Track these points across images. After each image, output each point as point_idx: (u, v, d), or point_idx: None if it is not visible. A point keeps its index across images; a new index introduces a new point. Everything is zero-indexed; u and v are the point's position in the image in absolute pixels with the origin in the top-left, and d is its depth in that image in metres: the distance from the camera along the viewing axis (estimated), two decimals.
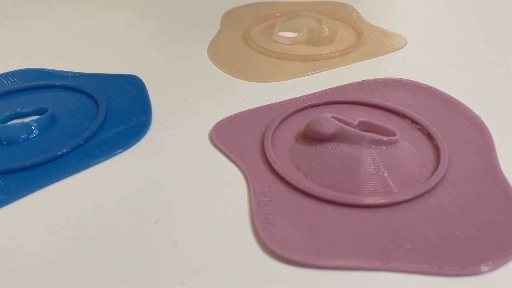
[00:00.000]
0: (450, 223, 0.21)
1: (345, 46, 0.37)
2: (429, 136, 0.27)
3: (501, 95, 0.31)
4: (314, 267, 0.20)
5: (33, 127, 0.28)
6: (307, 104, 0.30)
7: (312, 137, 0.26)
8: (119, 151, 0.26)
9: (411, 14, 0.44)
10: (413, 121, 0.28)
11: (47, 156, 0.26)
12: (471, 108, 0.29)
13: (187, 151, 0.27)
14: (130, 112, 0.30)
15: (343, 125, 0.25)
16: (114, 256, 0.20)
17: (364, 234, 0.21)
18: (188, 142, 0.27)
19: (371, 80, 0.32)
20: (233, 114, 0.29)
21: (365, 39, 0.38)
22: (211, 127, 0.28)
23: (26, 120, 0.29)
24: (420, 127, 0.28)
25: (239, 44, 0.39)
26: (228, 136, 0.27)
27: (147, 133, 0.28)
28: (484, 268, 0.19)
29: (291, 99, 0.31)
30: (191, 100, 0.31)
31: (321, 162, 0.24)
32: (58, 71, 0.35)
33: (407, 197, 0.22)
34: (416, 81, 0.32)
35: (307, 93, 0.31)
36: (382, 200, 0.22)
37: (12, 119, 0.29)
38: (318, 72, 0.34)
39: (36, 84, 0.32)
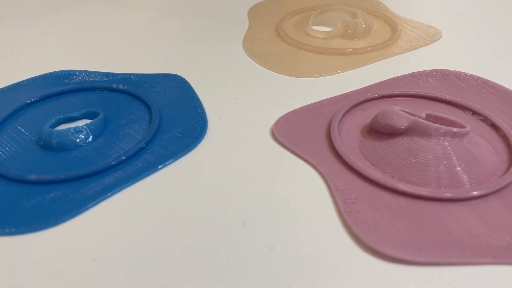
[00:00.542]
0: None
1: (381, 39, 0.37)
2: (494, 127, 0.27)
3: None
4: (418, 264, 0.19)
5: (88, 132, 0.26)
6: (363, 98, 0.29)
7: (380, 131, 0.26)
8: (184, 152, 0.26)
9: (437, 4, 0.44)
10: (474, 112, 0.28)
11: (111, 160, 0.24)
12: None
13: (252, 150, 0.26)
14: (183, 113, 0.29)
15: (416, 118, 0.25)
16: (210, 263, 0.19)
17: (460, 228, 0.20)
18: (250, 141, 0.27)
19: (419, 72, 0.32)
20: (291, 111, 0.29)
21: (400, 31, 0.38)
22: (270, 124, 0.28)
23: (74, 124, 0.28)
24: (482, 118, 0.27)
25: (274, 39, 0.38)
26: (292, 133, 0.27)
27: (206, 134, 0.27)
28: None
29: (344, 94, 0.30)
30: (242, 98, 0.31)
31: (398, 157, 0.24)
32: (93, 72, 0.33)
33: (497, 188, 0.22)
34: (463, 72, 0.32)
35: (357, 87, 0.31)
36: (474, 193, 0.22)
37: (61, 124, 0.28)
38: (362, 66, 0.34)
39: (77, 86, 0.31)
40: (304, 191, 0.23)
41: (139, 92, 0.30)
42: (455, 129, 0.24)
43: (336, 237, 0.20)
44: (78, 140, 0.26)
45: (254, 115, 0.29)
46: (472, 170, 0.23)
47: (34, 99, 0.30)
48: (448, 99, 0.29)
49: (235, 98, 0.31)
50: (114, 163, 0.24)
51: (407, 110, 0.26)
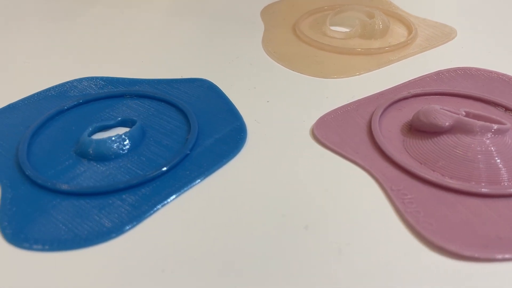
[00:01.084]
0: None
1: (397, 38, 0.37)
2: None
3: None
4: (487, 261, 0.19)
5: (128, 140, 0.26)
6: (397, 98, 0.29)
7: (422, 130, 0.26)
8: (230, 157, 0.25)
9: (448, 2, 0.45)
10: (507, 109, 0.29)
11: (160, 169, 0.24)
12: None
13: (296, 153, 0.26)
14: (220, 117, 0.29)
15: (460, 116, 0.25)
16: (282, 267, 0.19)
17: None
18: (293, 144, 0.27)
19: (444, 70, 0.33)
20: (328, 112, 0.29)
21: (417, 30, 0.38)
22: (308, 126, 0.28)
23: (109, 132, 0.27)
24: None
25: (292, 40, 0.38)
26: (333, 134, 0.27)
27: (247, 137, 0.27)
28: None
29: (376, 94, 0.30)
30: (274, 101, 0.30)
31: (446, 155, 0.24)
32: (117, 78, 0.33)
33: None
34: (485, 68, 0.33)
35: (386, 87, 0.31)
36: None
37: (96, 132, 0.27)
38: (387, 66, 0.34)
39: (105, 93, 0.30)
40: (358, 192, 0.23)
41: (171, 98, 0.30)
42: (497, 126, 0.24)
43: (401, 237, 0.21)
44: (118, 148, 0.26)
45: (290, 117, 0.29)
46: None
47: (65, 107, 0.29)
48: (480, 96, 0.29)
49: (268, 101, 0.30)
50: (165, 169, 0.24)
51: (447, 109, 0.26)
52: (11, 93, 0.31)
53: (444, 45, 0.37)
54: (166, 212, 0.22)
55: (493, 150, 0.24)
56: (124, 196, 0.23)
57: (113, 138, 0.26)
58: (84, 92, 0.31)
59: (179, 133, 0.27)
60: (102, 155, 0.25)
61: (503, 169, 0.23)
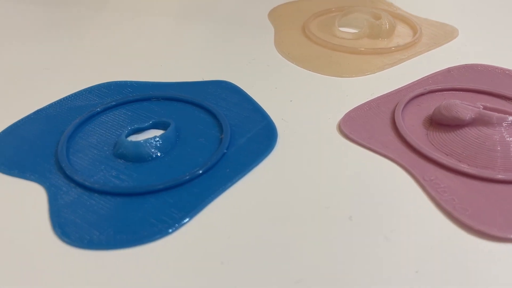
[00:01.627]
0: None
1: (404, 38, 0.39)
2: None
3: None
4: None
5: (165, 142, 0.27)
6: (414, 94, 0.31)
7: (444, 124, 0.28)
8: (265, 155, 0.26)
9: (446, 2, 0.47)
10: None
11: (202, 168, 0.25)
12: None
13: (327, 148, 0.27)
14: (247, 117, 0.30)
15: (480, 109, 0.27)
16: (334, 255, 0.21)
17: None
18: (322, 140, 0.28)
19: (453, 67, 0.35)
20: (352, 109, 0.30)
21: (422, 30, 0.40)
22: (334, 123, 0.29)
23: (143, 135, 0.28)
24: None
25: (304, 41, 0.39)
26: (360, 130, 0.28)
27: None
28: None
29: (394, 91, 0.32)
30: (297, 100, 0.32)
31: (471, 146, 0.26)
32: (139, 82, 0.33)
33: None
34: (491, 65, 0.35)
35: (402, 84, 0.33)
36: None
37: (130, 135, 0.28)
38: (398, 64, 0.36)
39: (132, 97, 0.31)
40: (392, 183, 0.25)
41: (197, 99, 0.31)
42: None
43: (440, 223, 0.22)
44: (156, 150, 0.26)
45: (315, 115, 0.30)
46: None
47: (97, 109, 0.29)
48: (490, 91, 0.31)
49: (291, 100, 0.32)
50: (206, 168, 0.25)
51: (466, 103, 0.28)
52: (36, 99, 0.31)
53: (448, 43, 0.39)
54: (214, 208, 0.23)
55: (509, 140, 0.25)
56: (170, 195, 0.24)
57: (151, 140, 0.26)
58: (111, 97, 0.31)
59: (210, 133, 0.28)
60: (141, 157, 0.26)
61: None
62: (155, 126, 0.29)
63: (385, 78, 0.34)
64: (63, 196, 0.24)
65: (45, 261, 0.20)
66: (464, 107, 0.27)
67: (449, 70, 0.34)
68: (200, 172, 0.25)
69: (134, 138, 0.28)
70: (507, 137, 0.26)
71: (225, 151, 0.26)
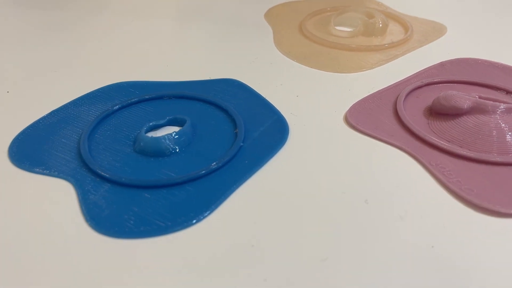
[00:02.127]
0: None
1: (396, 35, 0.41)
2: None
3: None
4: None
5: (183, 137, 0.28)
6: (412, 87, 0.33)
7: (443, 113, 0.30)
8: (279, 146, 0.28)
9: (432, 1, 0.49)
10: (507, 92, 0.33)
11: (221, 160, 0.26)
12: None
13: (336, 138, 0.29)
14: (258, 112, 0.31)
15: (477, 98, 0.29)
16: (357, 234, 0.22)
17: None
18: (331, 131, 0.29)
19: (446, 61, 0.37)
20: (356, 102, 0.32)
21: (413, 27, 0.42)
22: (340, 116, 0.31)
23: (161, 131, 0.29)
24: None
25: (302, 40, 0.41)
26: (366, 121, 0.30)
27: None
28: None
29: (393, 85, 0.34)
30: (303, 96, 0.33)
31: (470, 133, 0.28)
32: (151, 81, 0.34)
33: None
34: (481, 59, 0.37)
35: (400, 78, 0.35)
36: None
37: (148, 131, 0.29)
38: (395, 59, 0.38)
39: (146, 96, 0.32)
40: (401, 169, 0.26)
41: (208, 97, 0.32)
42: (505, 105, 0.28)
43: (449, 203, 0.24)
44: (175, 144, 0.27)
45: (322, 108, 0.32)
46: None
47: (115, 107, 0.30)
48: (482, 82, 0.34)
49: (297, 96, 0.33)
50: (228, 158, 0.26)
51: (462, 93, 0.30)
52: (48, 101, 0.32)
53: (438, 39, 0.41)
54: (237, 197, 0.24)
55: (504, 126, 0.27)
56: (194, 186, 0.25)
57: (170, 136, 0.27)
58: (123, 97, 0.32)
59: (224, 128, 0.29)
60: (160, 152, 0.27)
61: None
62: (171, 122, 0.30)
63: (382, 73, 0.36)
64: (92, 190, 0.25)
65: (84, 251, 0.21)
66: (462, 97, 0.29)
67: (442, 64, 0.36)
68: (221, 164, 0.26)
69: (152, 134, 0.29)
70: (502, 123, 0.28)
71: (242, 144, 0.28)
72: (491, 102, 0.29)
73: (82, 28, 0.43)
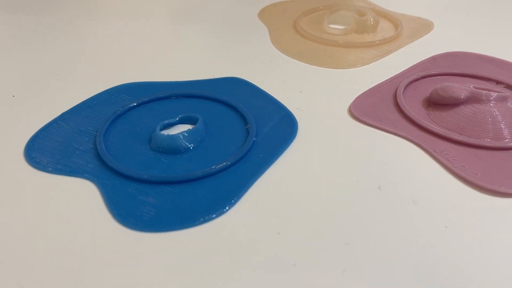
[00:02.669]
0: None
1: (387, 32, 0.43)
2: None
3: None
4: None
5: (196, 135, 0.29)
6: (410, 80, 0.35)
7: (441, 103, 0.31)
8: (290, 140, 0.29)
9: None
10: (498, 82, 0.35)
11: (237, 155, 0.27)
12: None
13: (343, 130, 0.30)
14: (265, 108, 0.32)
15: (472, 88, 0.31)
16: (369, 218, 0.23)
17: None
18: (337, 124, 0.31)
19: (437, 55, 0.39)
20: (358, 96, 0.33)
21: (402, 23, 0.44)
22: (344, 109, 0.32)
23: (174, 129, 0.30)
24: (505, 85, 0.34)
25: (297, 38, 0.42)
26: (369, 113, 0.31)
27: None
28: None
29: (390, 78, 0.35)
30: (306, 91, 0.34)
31: (469, 121, 0.30)
32: (157, 82, 0.35)
33: None
34: (470, 52, 0.39)
35: (396, 72, 0.36)
36: None
37: (162, 130, 0.30)
38: (389, 55, 0.39)
39: (154, 96, 0.33)
40: (408, 157, 0.28)
41: (215, 95, 0.33)
42: (496, 94, 0.30)
43: (455, 187, 0.26)
44: (190, 141, 0.28)
45: (326, 103, 0.33)
46: None
47: (131, 105, 0.31)
48: (473, 73, 0.35)
49: (301, 91, 0.34)
50: (243, 152, 0.27)
51: (458, 84, 0.32)
52: (56, 104, 0.32)
53: (427, 35, 0.43)
54: (257, 189, 0.25)
55: (499, 114, 0.29)
56: (215, 180, 0.26)
57: (185, 133, 0.28)
58: (131, 97, 0.33)
59: (234, 125, 0.30)
60: (176, 149, 0.28)
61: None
62: (183, 121, 0.30)
63: (379, 68, 0.37)
64: (116, 188, 0.25)
65: (115, 246, 0.22)
66: (458, 87, 0.31)
67: (434, 58, 0.38)
68: (238, 158, 0.27)
69: (166, 132, 0.29)
70: (495, 111, 0.30)
71: (255, 138, 0.29)
72: (485, 91, 0.30)
73: (78, 31, 0.44)
